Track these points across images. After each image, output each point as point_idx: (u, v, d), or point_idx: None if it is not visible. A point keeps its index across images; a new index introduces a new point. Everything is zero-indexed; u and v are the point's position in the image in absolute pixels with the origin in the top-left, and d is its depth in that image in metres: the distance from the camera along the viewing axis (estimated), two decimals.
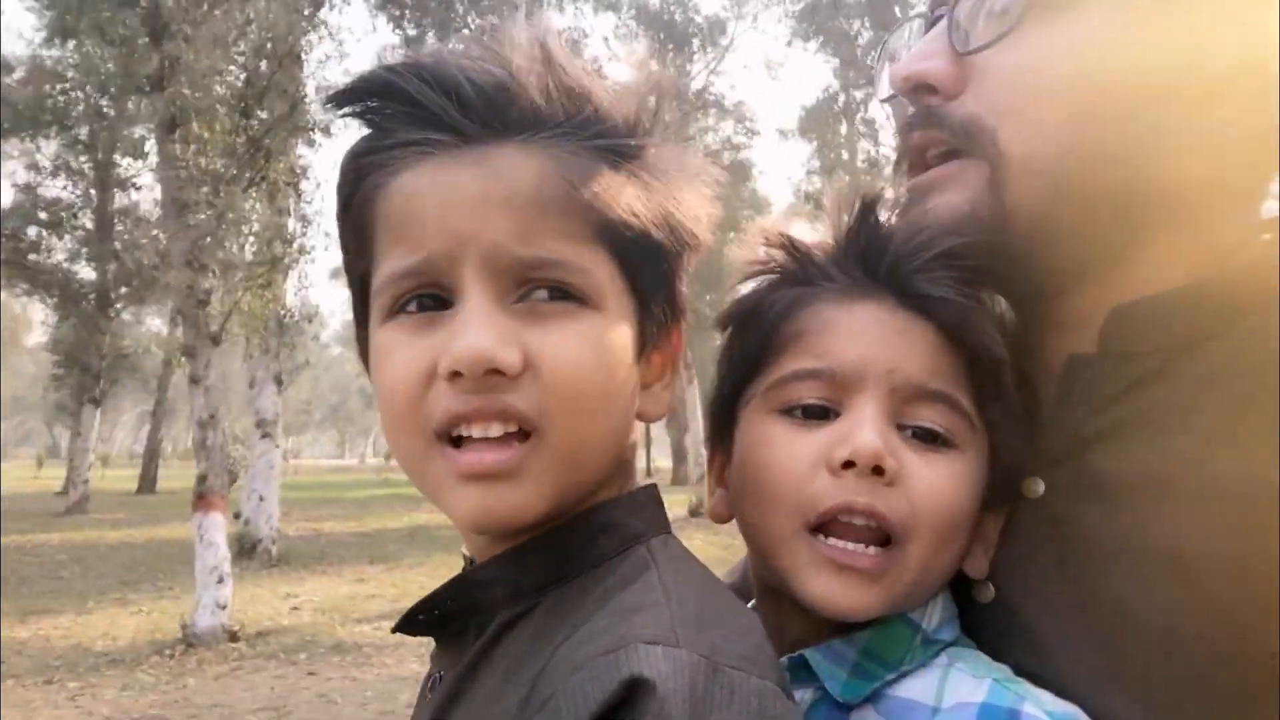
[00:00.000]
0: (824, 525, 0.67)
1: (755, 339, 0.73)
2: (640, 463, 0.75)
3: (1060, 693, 0.63)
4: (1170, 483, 0.63)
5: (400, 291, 0.61)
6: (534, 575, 0.62)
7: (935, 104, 0.71)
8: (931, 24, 0.75)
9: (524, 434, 0.59)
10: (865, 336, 0.69)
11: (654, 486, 0.69)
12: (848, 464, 0.65)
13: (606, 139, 0.62)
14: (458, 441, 0.59)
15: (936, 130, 0.72)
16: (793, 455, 0.68)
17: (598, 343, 0.60)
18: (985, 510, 0.71)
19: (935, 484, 0.67)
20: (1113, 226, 0.69)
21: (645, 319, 0.65)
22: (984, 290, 0.71)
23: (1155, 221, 0.68)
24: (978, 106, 0.69)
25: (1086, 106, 0.67)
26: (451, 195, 0.59)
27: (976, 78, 0.70)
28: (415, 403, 0.59)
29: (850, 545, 0.66)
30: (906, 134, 0.75)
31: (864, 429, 0.65)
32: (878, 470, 0.65)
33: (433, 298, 0.61)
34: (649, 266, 0.65)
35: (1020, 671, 0.65)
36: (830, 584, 0.66)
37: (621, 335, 0.62)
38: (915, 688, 0.65)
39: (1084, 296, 0.71)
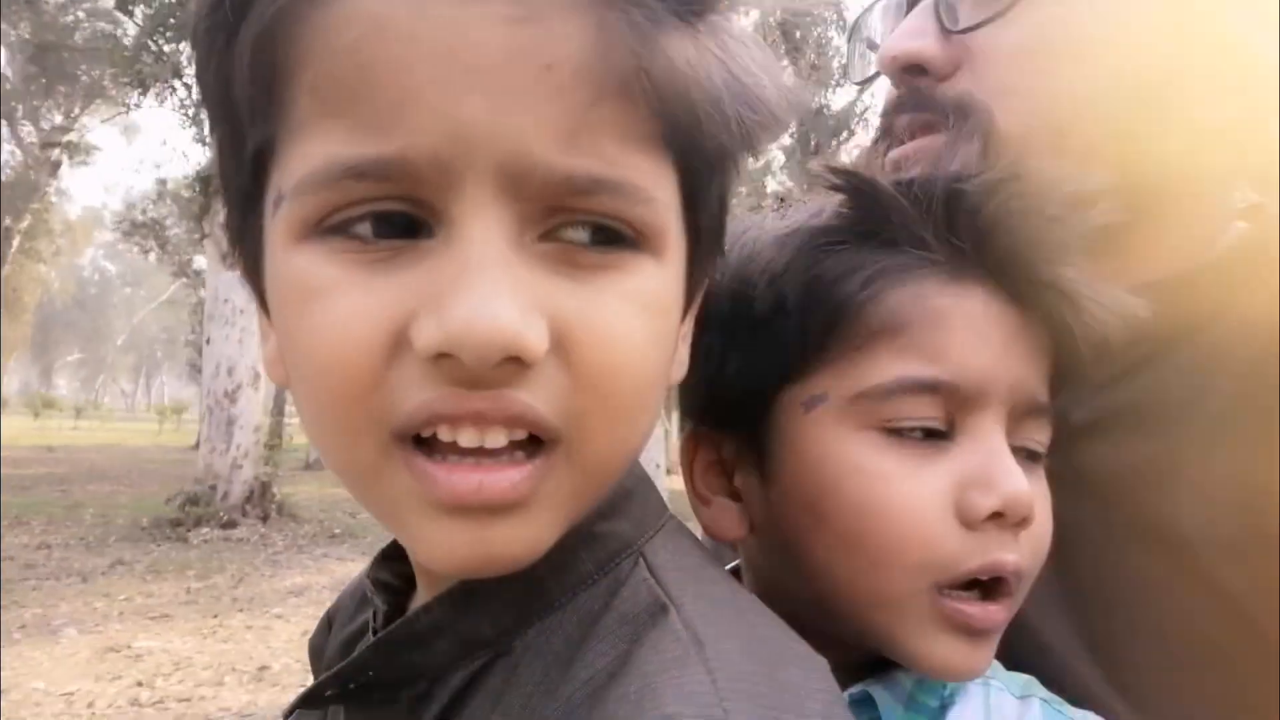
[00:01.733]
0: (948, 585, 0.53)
1: (815, 320, 0.54)
2: None
3: (1062, 691, 0.59)
4: (1170, 473, 0.61)
5: (346, 199, 0.38)
6: (492, 620, 0.45)
7: (925, 85, 0.67)
8: (912, 2, 0.71)
9: (534, 441, 0.40)
10: (988, 339, 0.53)
11: (634, 463, 0.50)
12: (995, 515, 0.52)
13: None
14: (427, 443, 0.39)
15: (928, 112, 0.66)
16: (915, 497, 0.52)
17: (655, 311, 0.42)
18: None
19: (1045, 518, 0.56)
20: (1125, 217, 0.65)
21: (695, 263, 0.47)
22: (1101, 293, 0.57)
23: (1146, 208, 0.66)
24: (970, 86, 0.66)
25: (1087, 87, 0.64)
26: (456, 48, 0.36)
27: (969, 57, 0.66)
28: (367, 385, 0.38)
29: (981, 606, 0.53)
30: (893, 115, 0.69)
31: (1012, 470, 0.52)
32: (1023, 521, 0.53)
33: (401, 218, 0.38)
34: (714, 184, 0.46)
35: (1021, 669, 0.61)
36: (955, 647, 0.53)
37: (677, 294, 0.45)
38: (965, 714, 0.56)
39: None
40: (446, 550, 0.39)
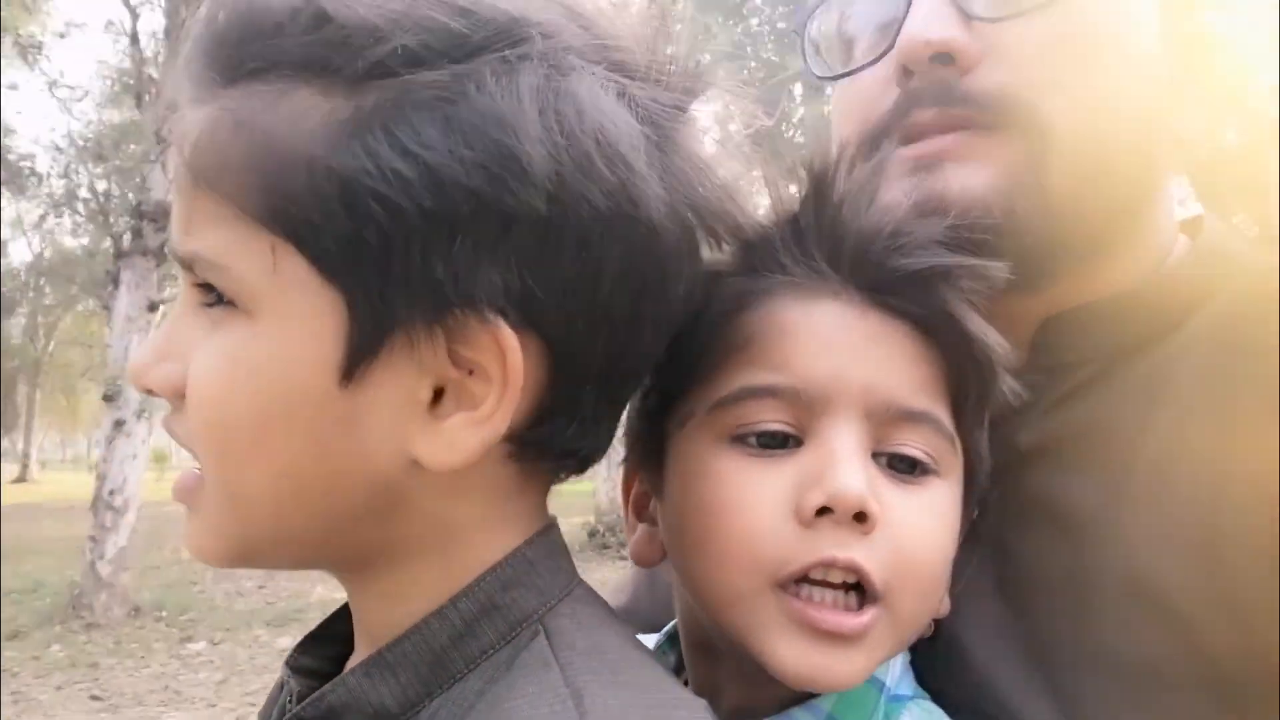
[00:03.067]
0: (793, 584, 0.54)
1: (690, 342, 0.56)
2: None
3: None
4: (1120, 497, 0.59)
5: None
6: (396, 693, 0.46)
7: (949, 76, 0.62)
8: None
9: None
10: (833, 344, 0.54)
11: (550, 529, 0.53)
12: (824, 510, 0.52)
13: None
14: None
15: (957, 106, 0.62)
16: (752, 498, 0.53)
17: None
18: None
19: (920, 526, 0.54)
20: (1117, 216, 0.64)
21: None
22: (966, 277, 0.57)
23: (1134, 214, 0.66)
24: (1000, 79, 0.61)
25: (1129, 80, 0.62)
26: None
27: (999, 48, 0.62)
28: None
29: (830, 604, 0.52)
30: (910, 109, 0.64)
31: (843, 466, 0.52)
32: (859, 516, 0.52)
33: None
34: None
35: (973, 713, 0.59)
36: (807, 651, 0.52)
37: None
38: None
39: (1035, 299, 0.65)
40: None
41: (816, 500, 0.51)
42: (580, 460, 0.52)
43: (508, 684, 0.45)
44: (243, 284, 0.44)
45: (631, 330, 0.47)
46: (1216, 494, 0.55)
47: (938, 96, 0.62)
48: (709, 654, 0.60)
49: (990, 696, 0.59)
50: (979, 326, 0.55)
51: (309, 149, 0.41)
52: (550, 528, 0.52)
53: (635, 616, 0.79)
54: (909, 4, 0.63)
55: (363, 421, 0.44)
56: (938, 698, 0.60)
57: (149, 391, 0.47)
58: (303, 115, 0.41)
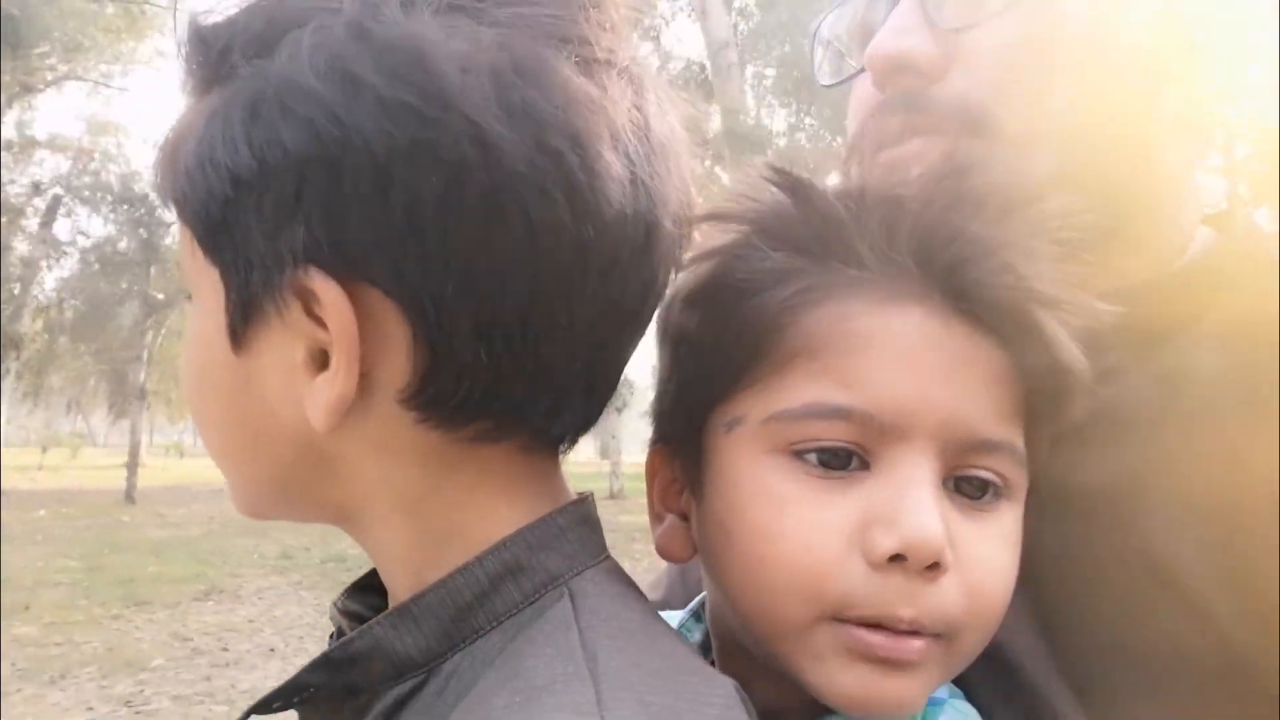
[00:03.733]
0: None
1: (742, 337, 0.52)
2: None
3: (1032, 713, 0.58)
4: (1141, 484, 0.59)
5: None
6: (420, 644, 0.47)
7: (917, 85, 0.63)
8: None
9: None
10: (914, 365, 0.49)
11: (584, 501, 0.53)
12: (896, 557, 0.48)
13: None
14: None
15: (922, 114, 0.63)
16: (814, 529, 0.49)
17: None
18: None
19: (993, 561, 0.51)
20: (1124, 206, 0.64)
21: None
22: (1069, 311, 0.52)
23: (1126, 213, 0.64)
24: (964, 87, 0.62)
25: (1088, 84, 0.61)
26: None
27: (964, 55, 0.62)
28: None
29: (888, 635, 0.49)
30: (883, 117, 0.65)
31: (920, 509, 0.48)
32: (933, 565, 0.48)
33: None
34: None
35: (1006, 703, 0.59)
36: (862, 678, 0.49)
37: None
38: None
39: None
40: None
41: (891, 546, 0.47)
42: (545, 431, 0.50)
43: (528, 639, 0.45)
44: (186, 270, 0.50)
45: (491, 272, 0.44)
46: (1235, 486, 0.55)
47: (903, 105, 0.64)
48: (738, 650, 0.57)
49: (1006, 674, 0.60)
50: (1071, 355, 0.51)
51: (184, 147, 0.46)
52: (584, 502, 0.52)
53: (669, 609, 0.80)
54: (889, 10, 0.65)
55: (259, 385, 0.47)
56: (957, 679, 0.58)
57: (934, 565, 0.50)
58: (192, 120, 0.47)
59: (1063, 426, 0.55)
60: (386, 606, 0.54)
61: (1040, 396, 0.53)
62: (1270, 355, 0.57)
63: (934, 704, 0.55)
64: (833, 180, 0.55)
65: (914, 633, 0.48)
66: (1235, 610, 0.54)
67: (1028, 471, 0.54)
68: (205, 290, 0.48)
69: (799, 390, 0.50)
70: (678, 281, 0.55)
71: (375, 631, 0.48)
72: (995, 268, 0.49)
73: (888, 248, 0.50)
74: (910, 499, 0.48)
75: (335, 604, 0.58)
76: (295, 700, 0.50)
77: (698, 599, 0.66)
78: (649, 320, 0.52)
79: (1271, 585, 0.53)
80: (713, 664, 0.59)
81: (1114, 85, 0.62)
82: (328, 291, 0.43)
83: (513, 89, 0.43)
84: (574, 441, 0.53)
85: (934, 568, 0.48)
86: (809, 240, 0.52)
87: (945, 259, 0.49)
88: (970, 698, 0.58)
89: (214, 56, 0.46)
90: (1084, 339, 0.56)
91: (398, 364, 0.45)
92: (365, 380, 0.45)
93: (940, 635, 0.49)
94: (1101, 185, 0.62)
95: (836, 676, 0.49)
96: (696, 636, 0.65)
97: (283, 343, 0.46)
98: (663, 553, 0.59)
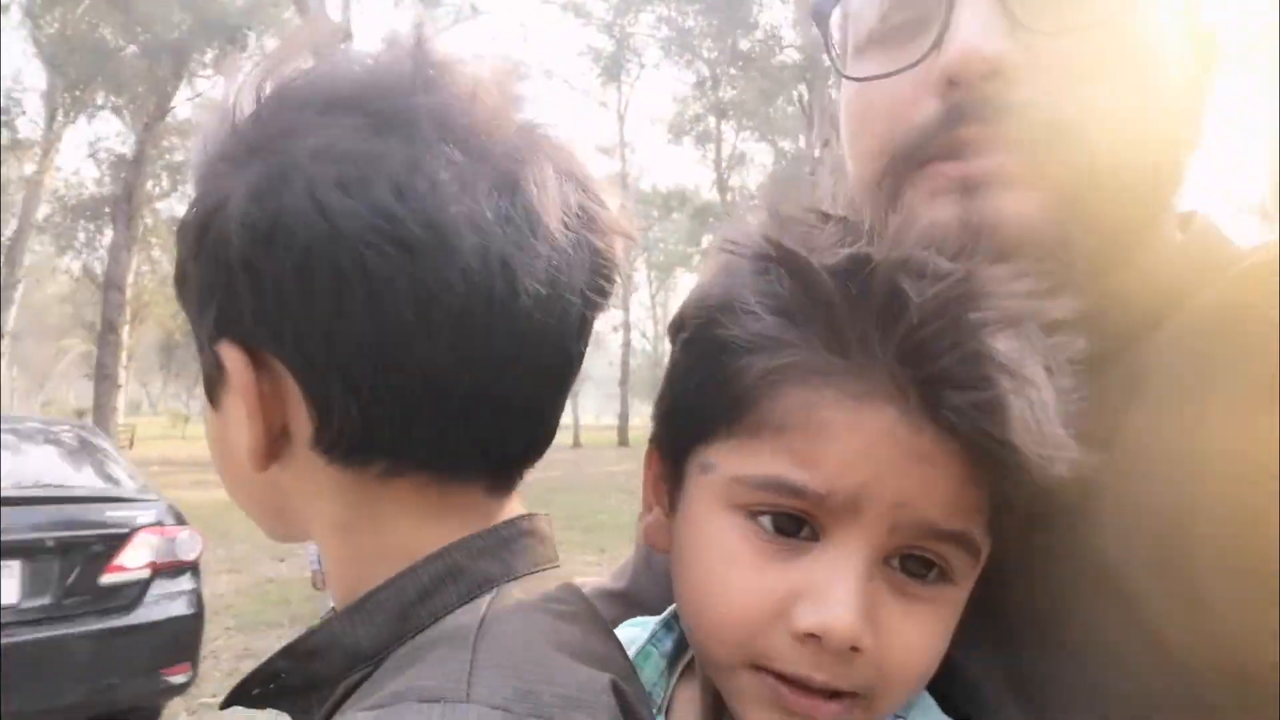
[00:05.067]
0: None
1: (723, 394, 0.54)
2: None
3: None
4: (1094, 496, 0.57)
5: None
6: (371, 635, 0.52)
7: (998, 91, 0.58)
8: None
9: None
10: (875, 457, 0.50)
11: (532, 517, 0.58)
12: (813, 635, 0.51)
13: None
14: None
15: (1005, 124, 0.58)
16: (750, 590, 0.52)
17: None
18: None
19: (915, 644, 0.53)
20: (1147, 225, 0.63)
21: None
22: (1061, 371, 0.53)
23: (1158, 222, 0.64)
24: (1056, 95, 0.58)
25: (1164, 92, 0.59)
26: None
27: (1047, 62, 0.58)
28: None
29: (802, 693, 0.52)
30: (955, 124, 0.59)
31: (842, 596, 0.50)
32: (852, 650, 0.51)
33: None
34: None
35: (954, 709, 0.60)
36: None
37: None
38: None
39: None
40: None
41: (808, 626, 0.50)
42: (429, 458, 0.53)
43: (442, 627, 0.51)
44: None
45: (346, 332, 0.49)
46: (1183, 490, 0.54)
47: (988, 113, 0.58)
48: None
49: (959, 683, 0.60)
50: (1045, 451, 0.50)
51: None
52: (531, 518, 0.58)
53: (634, 599, 0.81)
54: (949, 3, 0.59)
55: (228, 435, 0.56)
56: None
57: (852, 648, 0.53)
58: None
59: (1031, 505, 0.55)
60: None
61: (1013, 495, 0.53)
62: (1220, 360, 0.56)
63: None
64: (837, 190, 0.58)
65: (833, 693, 0.52)
66: (1179, 617, 0.53)
67: (982, 555, 0.55)
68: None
69: (762, 461, 0.52)
70: (690, 293, 0.60)
71: (333, 625, 0.54)
72: (983, 386, 0.48)
73: (878, 344, 0.50)
74: (837, 585, 0.50)
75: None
76: (270, 687, 0.56)
77: (669, 609, 0.67)
78: (552, 369, 0.55)
79: (1215, 592, 0.52)
80: (680, 654, 0.66)
81: (1168, 99, 0.60)
82: (230, 357, 0.52)
83: (353, 166, 0.48)
84: (509, 478, 0.57)
85: (853, 651, 0.51)
86: (798, 318, 0.52)
87: (933, 372, 0.49)
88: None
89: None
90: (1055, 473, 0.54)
91: (300, 415, 0.52)
92: (286, 431, 0.53)
93: (859, 695, 0.52)
94: (1143, 199, 0.61)
95: (758, 718, 0.54)
96: (667, 645, 0.66)
97: (234, 402, 0.54)
98: (647, 540, 0.63)
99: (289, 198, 0.48)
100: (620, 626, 0.69)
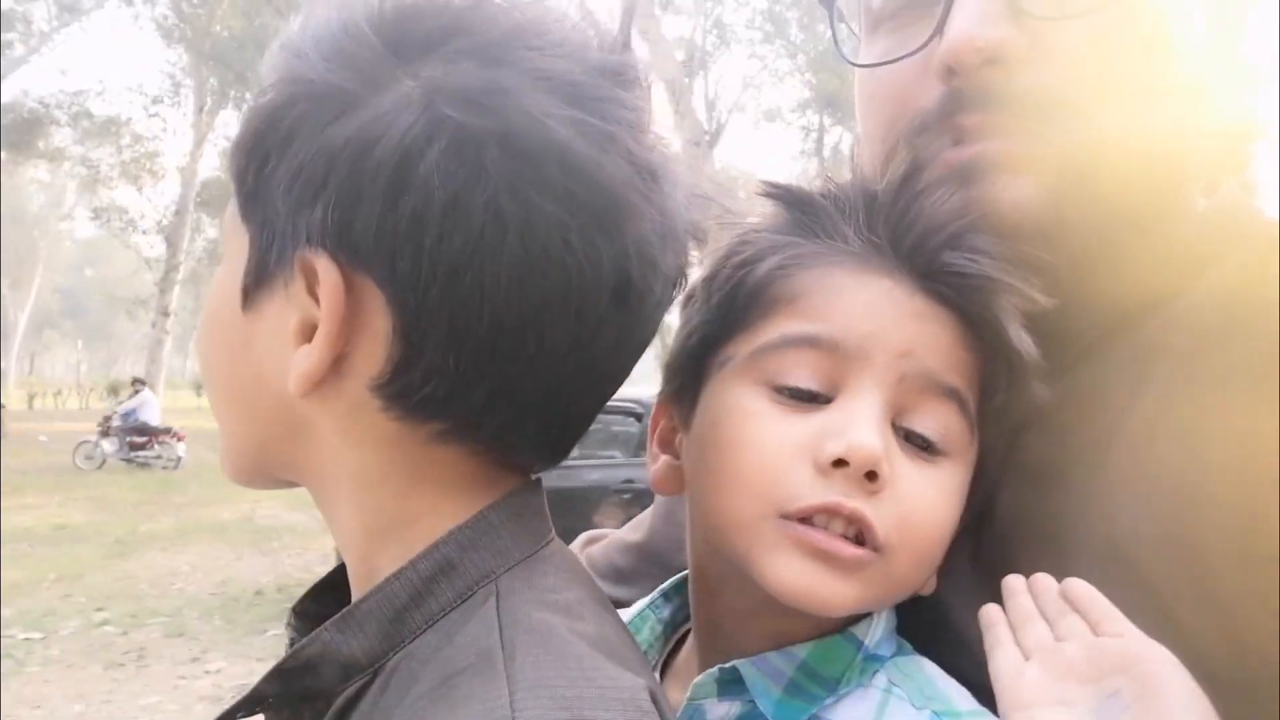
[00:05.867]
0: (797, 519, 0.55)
1: (740, 293, 0.60)
2: None
3: (983, 687, 0.56)
4: (1104, 467, 0.59)
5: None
6: (364, 646, 0.50)
7: (998, 77, 0.60)
8: None
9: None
10: (880, 311, 0.57)
11: (521, 491, 0.55)
12: (839, 462, 0.54)
13: None
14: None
15: (1006, 110, 0.60)
16: (773, 436, 0.56)
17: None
18: None
19: (927, 498, 0.57)
20: (1158, 210, 0.63)
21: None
22: (1018, 280, 0.58)
23: (1172, 202, 0.64)
24: (1057, 81, 0.59)
25: (1178, 74, 0.61)
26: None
27: (1048, 47, 0.59)
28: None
29: (825, 533, 0.54)
30: (955, 110, 0.62)
31: (864, 424, 0.54)
32: (871, 475, 0.54)
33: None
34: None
35: (953, 672, 0.59)
36: (802, 568, 0.54)
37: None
38: (852, 713, 0.57)
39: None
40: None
41: (835, 450, 0.54)
42: (503, 441, 0.53)
43: (457, 646, 0.48)
44: (223, 233, 0.56)
45: (475, 288, 0.47)
46: (1192, 468, 0.55)
47: (986, 100, 0.60)
48: (711, 587, 0.63)
49: (969, 655, 0.58)
50: (1018, 337, 0.57)
51: (251, 111, 0.52)
52: (521, 491, 0.55)
53: (652, 550, 0.84)
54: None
55: (255, 345, 0.53)
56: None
57: (871, 474, 0.55)
58: (263, 90, 0.52)
59: (1015, 407, 0.60)
60: (345, 603, 0.56)
61: (994, 375, 0.59)
62: (1233, 338, 0.57)
63: (873, 659, 0.59)
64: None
65: (860, 544, 0.55)
66: (1187, 593, 0.54)
67: (977, 441, 0.59)
68: (234, 249, 0.53)
69: (778, 327, 0.59)
70: (706, 259, 0.63)
71: (323, 637, 0.51)
72: (947, 248, 0.58)
73: (866, 229, 0.60)
74: (858, 417, 0.55)
75: (293, 609, 0.61)
76: (257, 710, 0.53)
77: (670, 580, 0.72)
78: (619, 376, 0.55)
79: (1222, 569, 0.53)
80: (679, 621, 0.70)
81: (1184, 81, 0.61)
82: (328, 274, 0.48)
83: (590, 111, 0.48)
84: (538, 469, 0.57)
85: (872, 478, 0.54)
86: (800, 227, 0.62)
87: (911, 240, 0.58)
88: None
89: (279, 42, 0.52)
90: (1063, 321, 0.59)
91: (375, 352, 0.49)
92: (344, 362, 0.50)
93: (877, 549, 0.55)
94: (1154, 184, 0.62)
95: (781, 566, 0.55)
96: (665, 613, 0.72)
97: (282, 310, 0.51)
98: (656, 486, 0.68)
99: (514, 117, 0.46)
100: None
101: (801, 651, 0.59)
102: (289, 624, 0.61)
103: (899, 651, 0.61)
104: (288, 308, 0.51)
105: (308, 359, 0.49)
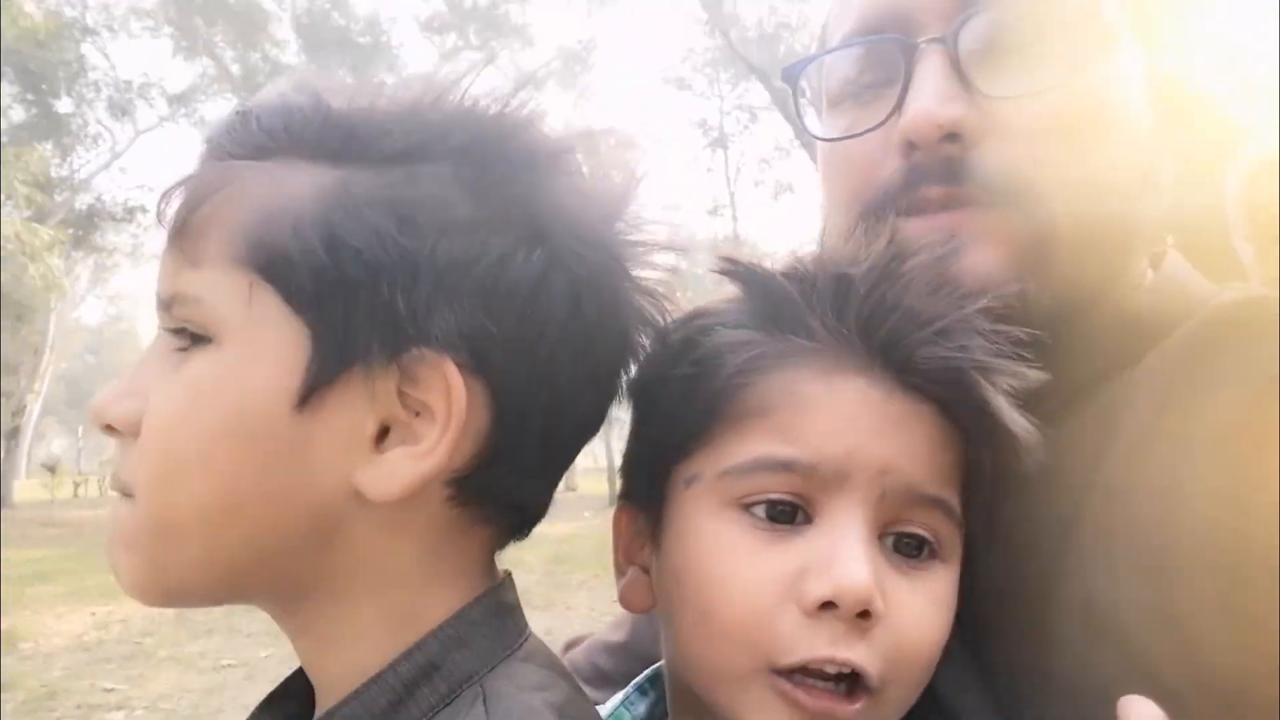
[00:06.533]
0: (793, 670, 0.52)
1: (697, 401, 0.56)
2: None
3: None
4: (1076, 530, 0.59)
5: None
6: None
7: (956, 153, 0.62)
8: (907, 50, 0.64)
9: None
10: (855, 423, 0.53)
11: (499, 588, 0.53)
12: (828, 604, 0.50)
13: None
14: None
15: (964, 184, 0.61)
16: (755, 578, 0.52)
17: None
18: None
19: (923, 617, 0.53)
20: (1111, 278, 0.66)
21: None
22: (1005, 376, 0.55)
23: (1124, 271, 0.67)
24: (1012, 157, 0.61)
25: (1126, 150, 0.63)
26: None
27: (1002, 124, 0.61)
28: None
29: (822, 691, 0.51)
30: (917, 184, 0.63)
31: (850, 558, 0.50)
32: (863, 614, 0.50)
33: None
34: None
35: None
36: None
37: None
38: None
39: None
40: None
41: (822, 593, 0.50)
42: (522, 520, 0.54)
43: None
44: (215, 313, 0.48)
45: (572, 385, 0.50)
46: (1166, 521, 0.55)
47: (945, 174, 0.62)
48: (693, 709, 0.58)
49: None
50: (1011, 420, 0.54)
51: (296, 205, 0.47)
52: (500, 586, 0.53)
53: (634, 650, 0.82)
54: (907, 69, 0.63)
55: (310, 447, 0.47)
56: None
57: (108, 429, 0.50)
58: (296, 183, 0.48)
59: (1000, 487, 0.58)
60: (301, 716, 0.56)
61: (981, 459, 0.56)
62: (1199, 392, 0.58)
63: None
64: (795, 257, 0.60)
65: (849, 694, 0.51)
66: (1169, 651, 0.53)
67: (963, 532, 0.57)
68: (260, 341, 0.48)
69: (749, 447, 0.54)
70: (650, 351, 0.60)
71: None
72: (931, 340, 0.54)
73: (836, 322, 0.55)
74: (843, 550, 0.51)
75: None
76: None
77: (645, 673, 0.69)
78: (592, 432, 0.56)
79: (1198, 621, 0.52)
80: (661, 714, 0.65)
81: (1132, 157, 0.63)
82: (454, 377, 0.47)
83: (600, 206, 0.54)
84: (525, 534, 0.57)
85: (865, 616, 0.50)
86: (763, 319, 0.57)
87: (886, 333, 0.54)
88: None
89: (342, 134, 0.50)
90: (1021, 388, 0.57)
91: (465, 449, 0.49)
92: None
93: (870, 693, 0.52)
94: (1106, 255, 0.64)
95: None
96: (641, 710, 0.67)
97: (355, 412, 0.48)
98: (625, 604, 0.63)
99: (570, 235, 0.50)
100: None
101: None
102: None
103: None
104: (365, 408, 0.48)
105: (416, 465, 0.48)
